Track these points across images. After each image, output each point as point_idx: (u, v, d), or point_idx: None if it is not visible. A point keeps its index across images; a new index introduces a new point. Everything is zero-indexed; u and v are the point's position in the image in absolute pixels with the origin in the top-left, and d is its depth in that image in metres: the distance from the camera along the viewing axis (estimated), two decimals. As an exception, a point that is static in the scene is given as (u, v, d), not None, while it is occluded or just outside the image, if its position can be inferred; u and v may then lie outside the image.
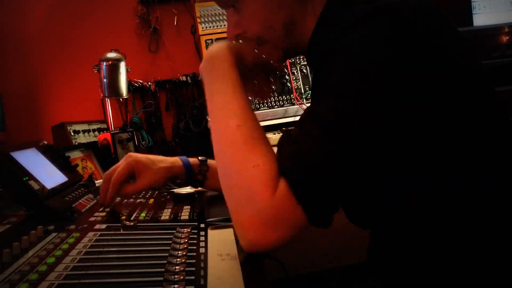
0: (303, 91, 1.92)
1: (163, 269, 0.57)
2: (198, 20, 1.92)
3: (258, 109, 1.87)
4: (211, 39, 1.92)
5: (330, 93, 0.59)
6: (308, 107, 0.63)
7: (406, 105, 0.56)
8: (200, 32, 1.92)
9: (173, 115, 2.17)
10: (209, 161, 1.00)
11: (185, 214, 0.86)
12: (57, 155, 0.97)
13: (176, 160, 0.97)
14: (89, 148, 1.56)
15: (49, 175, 0.89)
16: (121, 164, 0.92)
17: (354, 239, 1.78)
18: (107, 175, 0.91)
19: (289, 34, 0.74)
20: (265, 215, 0.57)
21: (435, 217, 0.62)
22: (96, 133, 1.86)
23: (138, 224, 0.78)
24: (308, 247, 1.72)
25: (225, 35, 1.94)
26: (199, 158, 1.00)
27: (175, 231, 0.73)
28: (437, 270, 0.62)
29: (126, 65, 1.76)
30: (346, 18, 0.63)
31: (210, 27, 1.93)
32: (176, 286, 0.52)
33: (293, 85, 1.90)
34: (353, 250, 1.74)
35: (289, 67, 1.92)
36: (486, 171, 0.60)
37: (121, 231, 0.74)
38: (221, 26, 1.95)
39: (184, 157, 0.98)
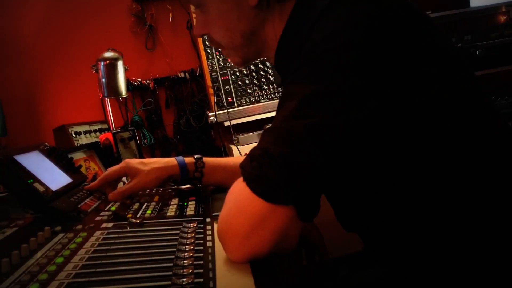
0: (302, 82, 1.91)
1: (171, 264, 0.58)
2: (194, 14, 1.91)
3: (258, 101, 1.87)
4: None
5: (301, 91, 0.57)
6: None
7: (385, 99, 0.56)
8: (196, 27, 1.92)
9: (173, 112, 2.17)
10: (205, 158, 1.01)
11: (190, 209, 0.86)
12: (60, 157, 0.98)
13: (170, 160, 0.98)
14: (92, 148, 1.57)
15: (53, 177, 0.90)
16: (115, 166, 0.97)
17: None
18: (103, 174, 0.98)
19: (248, 43, 0.76)
20: (231, 226, 0.58)
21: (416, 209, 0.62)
22: (98, 133, 1.87)
23: (144, 221, 0.78)
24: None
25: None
26: (195, 156, 1.01)
27: (181, 227, 0.73)
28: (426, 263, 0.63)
29: (124, 64, 1.76)
30: (311, 15, 0.63)
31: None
32: (185, 279, 0.53)
33: (292, 76, 1.90)
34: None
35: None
36: (472, 163, 0.60)
37: (128, 229, 0.74)
38: (216, 20, 1.94)
39: (179, 157, 0.99)
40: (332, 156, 0.56)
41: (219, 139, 2.12)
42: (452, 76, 0.61)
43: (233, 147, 1.76)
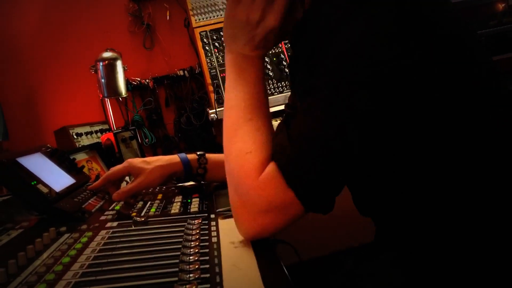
0: (301, 76, 1.91)
1: (177, 260, 0.58)
2: (191, 12, 1.91)
3: (258, 98, 1.86)
4: (205, 31, 1.91)
5: (326, 76, 0.58)
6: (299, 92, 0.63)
7: (411, 88, 0.56)
8: (194, 25, 1.91)
9: (173, 110, 2.17)
10: (208, 155, 1.01)
11: (194, 206, 0.86)
12: (62, 158, 0.98)
13: (173, 157, 0.98)
14: (93, 149, 1.57)
15: (56, 178, 0.90)
16: (118, 166, 0.97)
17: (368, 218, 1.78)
18: (106, 173, 0.98)
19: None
20: (250, 200, 0.60)
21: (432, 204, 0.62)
22: (99, 134, 1.87)
23: (149, 219, 0.79)
24: (319, 229, 1.73)
25: (218, 26, 1.93)
26: (197, 153, 1.01)
27: (186, 223, 0.73)
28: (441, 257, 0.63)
29: (123, 64, 1.76)
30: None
31: (203, 18, 1.92)
32: (191, 275, 0.53)
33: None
34: (368, 228, 1.73)
35: (285, 53, 1.91)
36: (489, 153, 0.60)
37: (133, 227, 0.75)
38: (214, 17, 1.94)
39: (182, 154, 0.99)
40: (368, 143, 0.57)
41: (220, 136, 2.11)
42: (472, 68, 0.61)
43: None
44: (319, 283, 1.11)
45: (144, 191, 1.00)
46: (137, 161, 0.95)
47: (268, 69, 1.90)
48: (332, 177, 0.58)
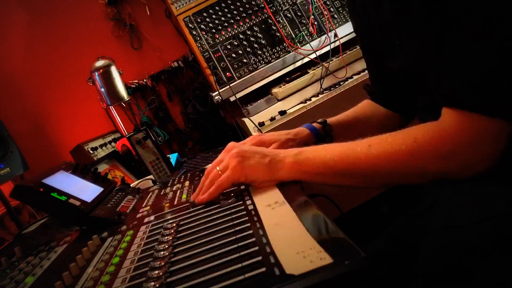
0: (294, 36, 1.88)
1: (221, 234, 0.59)
2: (169, 1, 1.88)
3: (257, 68, 1.85)
4: (188, 16, 1.88)
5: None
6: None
7: None
8: (175, 13, 1.89)
9: (178, 103, 2.17)
10: (329, 120, 1.00)
11: (222, 183, 0.87)
12: (85, 170, 0.99)
13: (300, 130, 0.96)
14: (112, 158, 1.59)
15: (84, 190, 0.91)
16: (247, 139, 0.94)
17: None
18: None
19: None
20: (477, 157, 0.60)
21: None
22: (113, 143, 1.89)
23: (183, 205, 0.80)
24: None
25: (199, 7, 1.90)
26: (318, 121, 0.99)
27: (219, 199, 0.74)
28: None
29: (117, 68, 1.75)
30: None
31: (182, 4, 1.89)
32: (240, 244, 0.54)
33: (282, 33, 1.86)
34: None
35: (272, 17, 1.88)
36: None
37: (170, 216, 0.76)
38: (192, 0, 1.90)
39: (308, 124, 0.97)
40: None
41: (230, 116, 2.11)
42: None
43: (246, 120, 1.76)
44: (362, 232, 1.11)
45: (169, 184, 1.01)
46: (266, 135, 0.93)
47: (259, 37, 1.87)
48: None
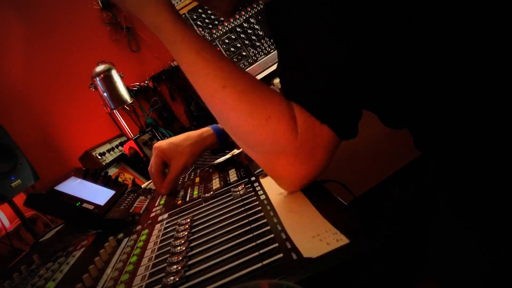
0: (291, 24, 1.87)
1: (235, 225, 0.59)
2: None
3: (256, 60, 1.84)
4: (184, 14, 1.88)
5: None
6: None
7: None
8: (171, 12, 1.88)
9: (181, 102, 2.17)
10: None
11: (232, 176, 0.87)
12: (95, 174, 1.00)
13: (204, 130, 0.97)
14: (120, 161, 1.59)
15: (97, 194, 0.92)
16: (152, 158, 0.97)
17: (400, 140, 1.77)
18: (150, 172, 0.96)
19: None
20: (301, 154, 0.58)
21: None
22: (120, 147, 1.89)
23: (196, 201, 0.80)
24: (360, 164, 1.73)
25: (194, 4, 1.89)
26: None
27: (231, 192, 0.74)
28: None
29: (118, 72, 1.76)
30: None
31: (177, 2, 1.89)
32: (255, 233, 0.54)
33: (279, 22, 1.85)
34: (403, 150, 1.73)
35: (268, 8, 1.87)
36: None
37: (184, 213, 0.76)
38: (186, -3, 1.90)
39: (214, 125, 0.98)
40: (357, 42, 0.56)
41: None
42: None
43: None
44: (373, 215, 1.11)
45: (181, 179, 1.02)
46: (165, 145, 0.94)
47: (257, 29, 1.86)
48: (349, 95, 0.58)
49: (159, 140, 1.61)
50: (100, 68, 1.69)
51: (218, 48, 1.85)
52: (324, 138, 0.58)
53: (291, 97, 0.60)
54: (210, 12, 1.88)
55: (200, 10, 1.87)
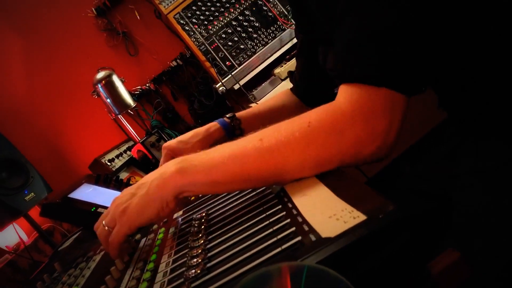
0: (286, 12, 1.86)
1: (250, 214, 0.59)
2: (156, 1, 1.87)
3: (255, 52, 1.84)
4: (178, 13, 1.87)
5: None
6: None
7: None
8: (165, 12, 1.88)
9: (184, 101, 2.18)
10: (237, 114, 1.00)
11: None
12: (107, 179, 1.00)
13: (211, 125, 0.97)
14: (130, 165, 1.60)
15: (110, 198, 0.92)
16: (161, 159, 0.96)
17: (408, 119, 1.76)
18: None
19: None
20: (359, 117, 0.55)
21: None
22: (128, 152, 1.90)
23: (208, 196, 0.80)
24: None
25: (187, 2, 1.88)
26: (227, 116, 1.00)
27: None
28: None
29: (118, 77, 1.77)
30: None
31: (170, 2, 1.88)
32: (271, 220, 0.54)
33: (274, 12, 1.85)
34: (409, 129, 1.72)
35: (262, -2, 1.86)
36: None
37: (198, 208, 0.76)
38: (180, -5, 1.89)
39: (220, 119, 0.98)
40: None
41: (237, 105, 2.11)
42: None
43: (254, 105, 1.75)
44: (389, 190, 1.11)
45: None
46: (174, 144, 0.94)
47: (252, 20, 1.85)
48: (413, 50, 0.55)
49: (166, 140, 1.61)
50: (100, 74, 1.69)
51: (216, 44, 1.84)
52: (382, 100, 0.54)
53: (345, 78, 0.58)
54: (204, 8, 1.87)
55: (193, 7, 1.87)
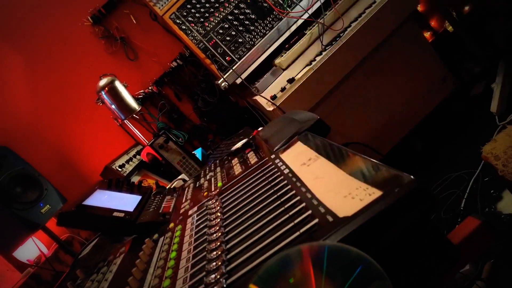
0: (281, 1, 1.84)
1: (265, 203, 0.59)
2: (151, 3, 1.87)
3: (254, 44, 1.83)
4: (173, 13, 1.87)
5: None
6: None
7: None
8: (160, 13, 1.88)
9: (188, 100, 2.18)
10: None
11: (252, 158, 0.87)
12: (119, 184, 1.01)
13: None
14: (141, 168, 1.61)
15: (124, 202, 0.93)
16: None
17: (416, 93, 1.75)
18: None
19: None
20: None
21: None
22: (137, 156, 1.91)
23: (221, 189, 0.80)
24: (383, 123, 1.71)
25: (182, 0, 1.87)
26: None
27: (254, 173, 0.74)
28: None
29: (121, 82, 1.77)
30: None
31: (164, 2, 1.87)
32: (286, 206, 0.54)
33: (269, 2, 1.83)
34: (417, 104, 1.71)
35: (255, -11, 1.84)
36: None
37: (212, 202, 0.76)
38: (173, -5, 1.89)
39: None
40: None
41: (240, 99, 2.11)
42: None
43: (258, 98, 1.75)
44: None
45: (202, 175, 1.02)
46: None
47: (248, 13, 1.84)
48: None
49: (174, 141, 1.61)
50: (103, 81, 1.70)
51: (214, 40, 1.84)
52: None
53: None
54: (199, 5, 1.86)
55: (188, 6, 1.86)
